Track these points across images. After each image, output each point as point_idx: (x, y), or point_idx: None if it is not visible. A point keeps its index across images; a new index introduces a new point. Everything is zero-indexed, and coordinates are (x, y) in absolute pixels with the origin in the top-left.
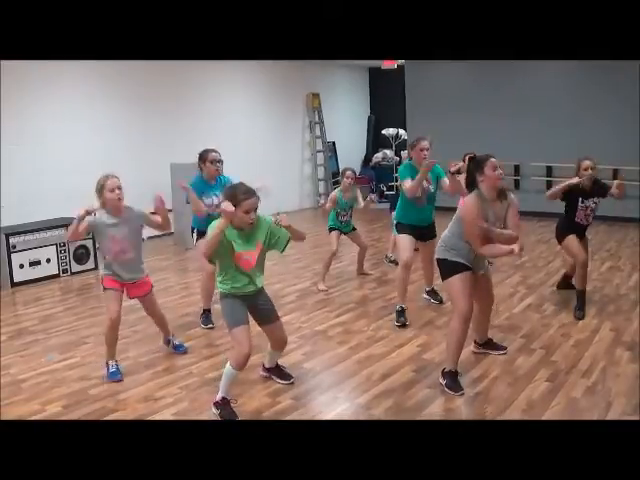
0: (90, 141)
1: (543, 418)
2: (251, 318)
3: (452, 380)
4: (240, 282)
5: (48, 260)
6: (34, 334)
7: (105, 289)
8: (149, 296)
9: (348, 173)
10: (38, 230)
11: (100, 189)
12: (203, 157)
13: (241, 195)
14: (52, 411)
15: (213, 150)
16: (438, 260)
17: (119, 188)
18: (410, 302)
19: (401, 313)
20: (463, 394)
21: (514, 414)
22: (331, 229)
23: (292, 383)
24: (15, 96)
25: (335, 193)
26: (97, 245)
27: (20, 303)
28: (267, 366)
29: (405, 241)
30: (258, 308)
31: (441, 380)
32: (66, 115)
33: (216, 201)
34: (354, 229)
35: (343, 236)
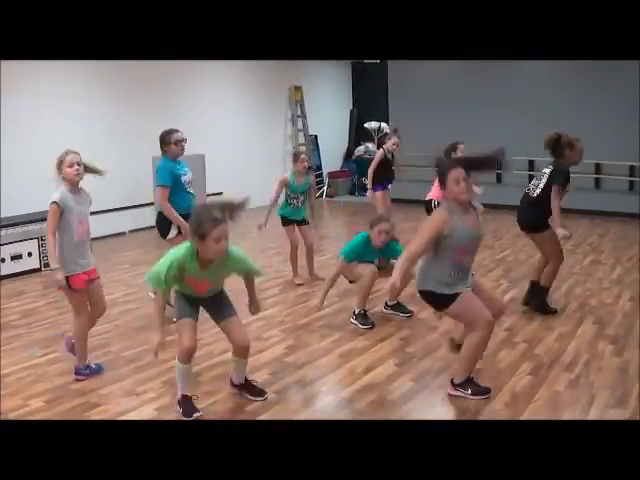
0: (72, 136)
1: (526, 412)
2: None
3: (470, 385)
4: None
5: (30, 254)
6: (16, 328)
7: (76, 289)
8: (99, 280)
9: (302, 157)
10: (19, 224)
11: (59, 164)
12: (167, 139)
13: (208, 224)
14: (34, 406)
15: (176, 130)
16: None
17: (78, 164)
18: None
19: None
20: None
21: (497, 407)
22: (283, 222)
23: (266, 399)
24: (3, 91)
25: (287, 176)
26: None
27: (2, 297)
28: (235, 382)
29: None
30: (211, 303)
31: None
32: (51, 110)
33: (188, 178)
34: (305, 222)
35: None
